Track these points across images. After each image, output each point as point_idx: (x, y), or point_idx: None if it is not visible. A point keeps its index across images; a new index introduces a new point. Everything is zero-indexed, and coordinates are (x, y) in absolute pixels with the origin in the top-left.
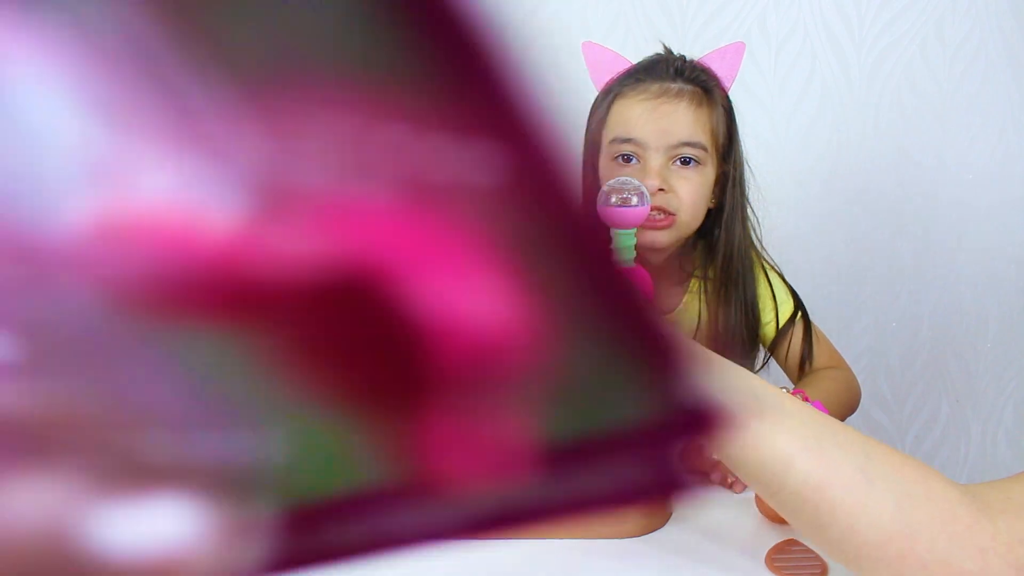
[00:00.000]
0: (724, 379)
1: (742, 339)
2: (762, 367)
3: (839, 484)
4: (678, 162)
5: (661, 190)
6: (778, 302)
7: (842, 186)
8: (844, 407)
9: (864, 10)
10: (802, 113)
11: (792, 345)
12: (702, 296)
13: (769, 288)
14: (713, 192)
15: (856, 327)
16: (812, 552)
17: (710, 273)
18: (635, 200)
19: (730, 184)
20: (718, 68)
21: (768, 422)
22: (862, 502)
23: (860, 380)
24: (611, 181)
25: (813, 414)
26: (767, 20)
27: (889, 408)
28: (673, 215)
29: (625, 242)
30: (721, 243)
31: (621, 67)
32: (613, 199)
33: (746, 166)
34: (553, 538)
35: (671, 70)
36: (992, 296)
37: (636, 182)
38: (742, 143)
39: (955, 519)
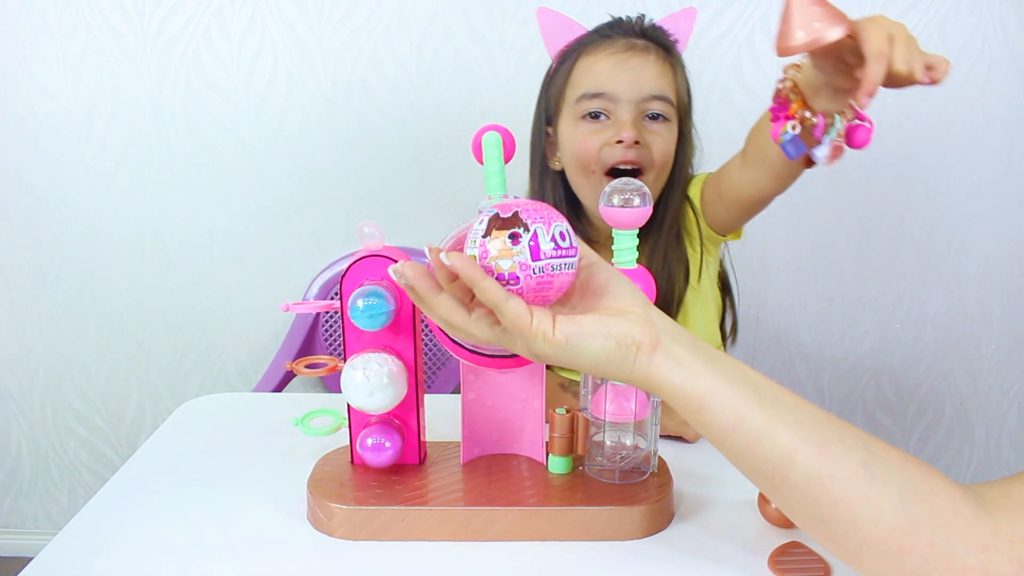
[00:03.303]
0: (723, 370)
1: (682, 288)
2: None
3: (841, 478)
4: (647, 117)
5: (636, 143)
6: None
7: (845, 188)
8: None
9: (867, 10)
10: None
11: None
12: (645, 251)
13: (696, 223)
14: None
15: (859, 329)
16: (815, 554)
17: (654, 228)
18: (637, 201)
19: (686, 143)
20: (673, 32)
21: (768, 416)
22: (864, 496)
23: (864, 383)
24: (613, 182)
25: (815, 410)
26: (770, 20)
27: (893, 410)
28: (644, 169)
29: (627, 242)
30: (675, 199)
31: (577, 34)
32: (615, 200)
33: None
34: (556, 539)
35: (636, 28)
36: (996, 298)
37: (639, 183)
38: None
39: (958, 515)
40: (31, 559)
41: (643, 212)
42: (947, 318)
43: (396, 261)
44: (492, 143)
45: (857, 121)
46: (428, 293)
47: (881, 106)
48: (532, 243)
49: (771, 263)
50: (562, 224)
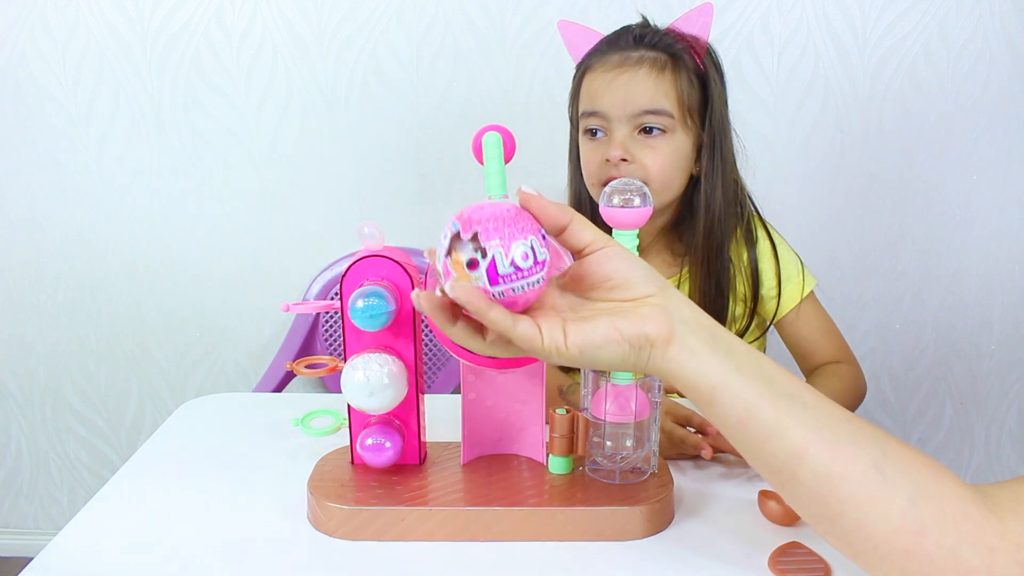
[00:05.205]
0: (738, 364)
1: (726, 307)
2: (761, 336)
3: (851, 478)
4: (642, 131)
5: (623, 160)
6: (784, 276)
7: (845, 187)
8: (849, 407)
9: (867, 10)
10: (805, 114)
11: (802, 328)
12: (687, 276)
13: (774, 257)
14: (696, 161)
15: (859, 329)
16: (815, 555)
17: (689, 236)
18: (637, 201)
19: (707, 151)
20: (691, 31)
21: (780, 413)
22: (873, 497)
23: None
24: (613, 182)
25: (831, 408)
26: (770, 21)
27: (893, 410)
28: None
29: (627, 243)
30: (701, 212)
31: (595, 40)
32: (615, 200)
33: (734, 132)
34: (556, 539)
35: (631, 39)
36: (995, 298)
37: (638, 183)
38: (730, 108)
39: (967, 517)
40: (31, 559)
41: (643, 212)
42: (947, 318)
43: (396, 261)
44: (492, 143)
45: None
46: (444, 325)
47: (881, 105)
48: (489, 269)
49: None
50: (525, 242)
